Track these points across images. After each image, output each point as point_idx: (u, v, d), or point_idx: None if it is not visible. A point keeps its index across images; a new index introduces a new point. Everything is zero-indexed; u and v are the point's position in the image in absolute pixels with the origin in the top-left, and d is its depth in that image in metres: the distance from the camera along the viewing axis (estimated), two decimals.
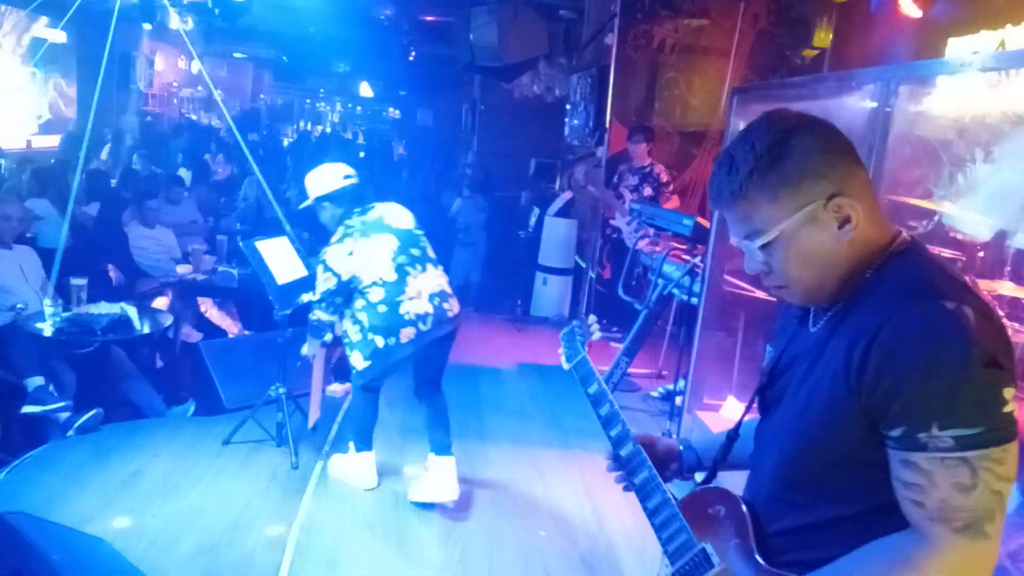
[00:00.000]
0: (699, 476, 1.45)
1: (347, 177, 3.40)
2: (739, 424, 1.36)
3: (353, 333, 3.31)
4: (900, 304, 1.02)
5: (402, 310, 3.23)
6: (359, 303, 3.27)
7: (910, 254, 1.09)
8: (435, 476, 3.38)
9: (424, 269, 3.34)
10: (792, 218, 1.08)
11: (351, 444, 3.56)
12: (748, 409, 1.34)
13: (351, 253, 3.24)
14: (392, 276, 3.25)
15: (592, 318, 1.60)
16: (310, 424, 3.78)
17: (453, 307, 3.39)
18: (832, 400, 1.07)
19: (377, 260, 3.26)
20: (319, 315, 3.32)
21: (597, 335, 1.57)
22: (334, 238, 3.31)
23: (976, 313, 0.99)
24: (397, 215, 3.43)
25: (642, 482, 1.32)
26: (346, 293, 3.28)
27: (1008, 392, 0.97)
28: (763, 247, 1.11)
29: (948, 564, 0.99)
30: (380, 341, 3.23)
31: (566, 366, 1.56)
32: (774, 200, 1.08)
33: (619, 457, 1.37)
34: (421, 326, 3.24)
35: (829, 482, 1.10)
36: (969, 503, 0.97)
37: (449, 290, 3.43)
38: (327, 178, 3.39)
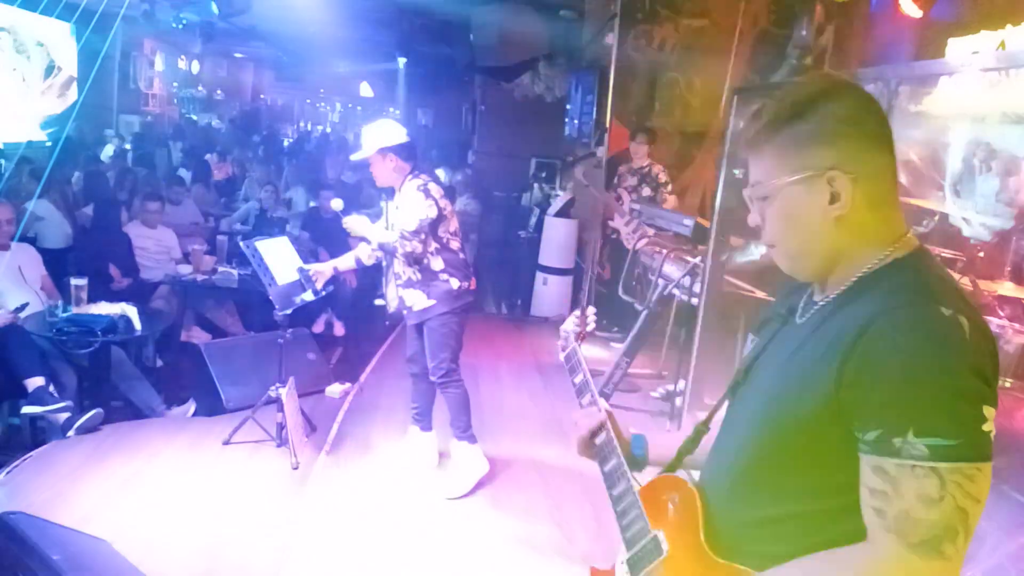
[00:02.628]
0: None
1: (407, 135, 3.54)
2: (710, 416, 1.33)
3: (413, 273, 3.43)
4: (895, 303, 0.99)
5: (467, 262, 3.57)
6: (432, 246, 3.41)
7: (914, 258, 1.06)
8: (464, 461, 3.57)
9: None
10: (789, 178, 1.06)
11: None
12: (722, 402, 1.32)
13: (444, 196, 3.46)
14: (459, 235, 3.56)
15: (591, 310, 1.62)
16: (294, 463, 3.64)
17: None
18: (807, 390, 1.03)
19: (455, 216, 3.57)
20: (411, 245, 3.33)
21: (591, 326, 1.61)
22: (416, 183, 3.39)
23: (971, 325, 0.96)
24: None
25: (610, 470, 1.36)
26: (428, 231, 3.40)
27: (988, 411, 0.94)
28: (761, 200, 1.11)
29: None
30: (455, 283, 3.44)
31: (560, 356, 1.60)
32: (780, 156, 1.07)
33: (593, 445, 1.41)
34: (474, 281, 3.55)
35: (787, 476, 1.07)
36: (931, 517, 0.93)
37: None
38: (394, 131, 3.49)
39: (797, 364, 1.08)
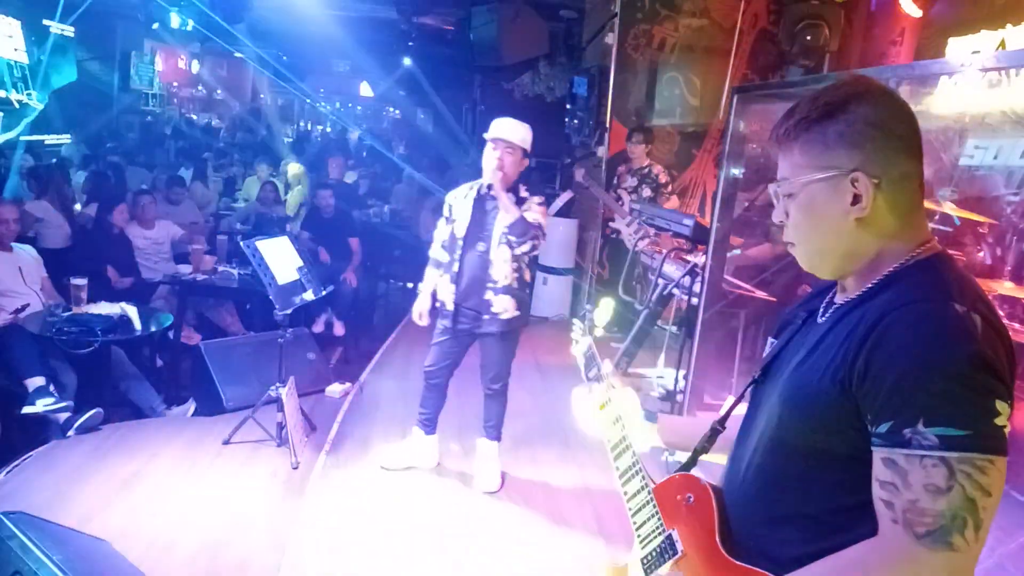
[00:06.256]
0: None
1: None
2: (727, 415, 1.34)
3: (515, 279, 3.44)
4: (909, 298, 1.00)
5: None
6: (526, 258, 3.47)
7: (935, 261, 1.07)
8: (496, 457, 3.66)
9: None
10: (814, 176, 1.08)
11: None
12: (738, 401, 1.32)
13: None
14: None
15: (597, 307, 1.64)
16: (294, 463, 3.64)
17: None
18: (822, 387, 1.04)
19: None
20: (537, 243, 3.39)
21: (599, 329, 1.63)
22: (535, 197, 3.50)
23: (984, 322, 0.96)
24: None
25: (625, 467, 1.37)
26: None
27: (1001, 405, 0.94)
28: (787, 196, 1.13)
29: (899, 573, 0.95)
30: (528, 298, 3.56)
31: (573, 350, 1.61)
32: (807, 153, 1.09)
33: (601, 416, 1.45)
34: None
35: (803, 475, 1.08)
36: (938, 507, 0.92)
37: None
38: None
39: (816, 360, 1.09)
